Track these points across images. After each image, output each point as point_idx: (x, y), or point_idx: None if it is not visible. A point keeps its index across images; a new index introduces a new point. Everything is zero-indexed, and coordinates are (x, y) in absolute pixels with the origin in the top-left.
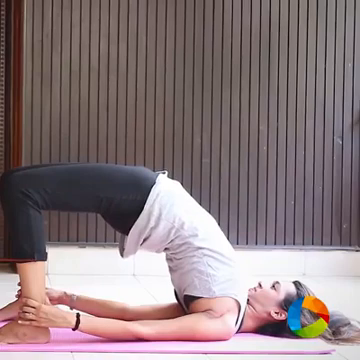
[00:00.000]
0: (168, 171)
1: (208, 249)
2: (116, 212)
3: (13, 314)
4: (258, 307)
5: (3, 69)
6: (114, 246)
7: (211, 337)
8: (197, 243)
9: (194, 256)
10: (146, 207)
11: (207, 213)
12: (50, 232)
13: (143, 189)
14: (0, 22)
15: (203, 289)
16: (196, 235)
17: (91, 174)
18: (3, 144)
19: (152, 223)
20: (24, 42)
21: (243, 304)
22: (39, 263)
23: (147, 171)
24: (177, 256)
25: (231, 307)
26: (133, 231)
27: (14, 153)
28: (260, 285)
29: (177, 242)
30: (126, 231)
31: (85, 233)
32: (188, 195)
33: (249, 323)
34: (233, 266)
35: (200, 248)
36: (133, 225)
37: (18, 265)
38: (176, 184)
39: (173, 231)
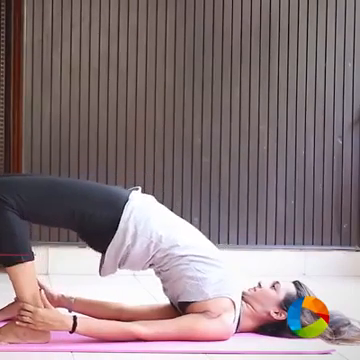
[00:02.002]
0: (168, 171)
1: (192, 255)
2: (90, 230)
3: (13, 314)
4: (257, 307)
5: (3, 69)
6: None
7: (210, 336)
8: (179, 252)
9: (180, 264)
10: (121, 225)
11: (184, 221)
12: (50, 232)
13: (116, 206)
14: (0, 22)
15: (196, 293)
16: (177, 245)
17: (65, 186)
18: (3, 144)
19: (129, 241)
20: (24, 42)
21: (238, 302)
22: (28, 264)
23: (121, 189)
24: (163, 268)
25: (227, 307)
26: (110, 250)
27: (14, 153)
28: (260, 285)
29: (159, 256)
30: (103, 250)
31: None
32: (163, 207)
33: (249, 322)
34: (222, 267)
35: (184, 256)
36: (109, 244)
37: (8, 269)
38: (150, 198)
39: (152, 246)
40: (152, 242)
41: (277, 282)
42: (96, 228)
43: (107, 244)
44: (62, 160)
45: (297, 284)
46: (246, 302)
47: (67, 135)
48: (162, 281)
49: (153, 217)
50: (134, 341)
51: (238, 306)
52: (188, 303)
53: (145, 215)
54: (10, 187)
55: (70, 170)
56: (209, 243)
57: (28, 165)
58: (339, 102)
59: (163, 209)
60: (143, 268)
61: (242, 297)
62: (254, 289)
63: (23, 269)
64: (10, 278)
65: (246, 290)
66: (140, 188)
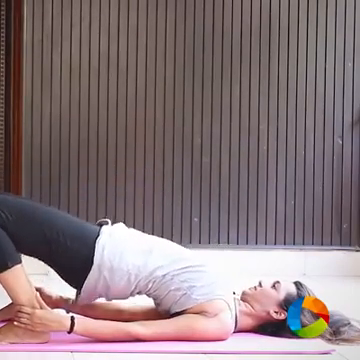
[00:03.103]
0: (168, 170)
1: (173, 270)
2: (64, 264)
3: (13, 314)
4: (257, 306)
5: (3, 69)
6: None
7: (210, 335)
8: (161, 273)
9: (165, 283)
10: (95, 262)
11: (156, 239)
12: None
13: (88, 241)
14: (0, 22)
15: (186, 302)
16: (156, 268)
17: (44, 211)
18: (3, 144)
19: (106, 276)
20: (24, 42)
21: (231, 302)
22: (16, 268)
23: (91, 225)
24: (151, 292)
25: (222, 307)
26: (86, 286)
27: (14, 152)
28: (260, 284)
29: (142, 284)
30: (78, 286)
31: None
32: (134, 233)
33: (247, 321)
34: (206, 271)
35: (166, 274)
36: (85, 280)
37: None
38: (119, 230)
39: (132, 278)
40: (131, 274)
41: (278, 282)
42: (70, 263)
43: (83, 280)
44: (62, 159)
45: (298, 284)
46: (245, 301)
47: (67, 134)
48: (153, 300)
49: (126, 249)
50: (133, 341)
51: (232, 305)
52: (181, 313)
53: (118, 248)
54: None
55: (70, 170)
56: (187, 252)
57: (28, 165)
58: (339, 102)
59: (134, 235)
60: (132, 295)
61: (241, 296)
62: (255, 288)
63: (13, 274)
64: (2, 285)
65: (246, 289)
66: (110, 221)
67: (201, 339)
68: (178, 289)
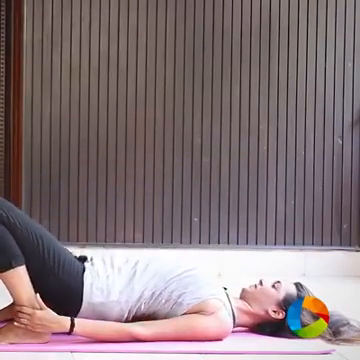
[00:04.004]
0: (168, 170)
1: (161, 285)
2: (49, 291)
3: (13, 314)
4: (255, 304)
5: (3, 69)
6: (114, 246)
7: (210, 333)
8: (149, 293)
9: (156, 299)
10: (85, 299)
11: (137, 259)
12: (50, 232)
13: (77, 278)
14: (0, 22)
15: (179, 309)
16: (144, 289)
17: (44, 233)
18: (3, 143)
19: (98, 309)
20: (24, 42)
21: (225, 300)
22: (19, 268)
23: (75, 261)
24: (145, 312)
25: (218, 306)
26: (79, 320)
27: (14, 152)
28: (261, 282)
29: (135, 308)
30: (73, 315)
31: (85, 233)
32: (116, 257)
33: (245, 318)
34: (194, 275)
35: (154, 292)
36: (77, 314)
37: (0, 276)
38: (100, 263)
39: (124, 306)
40: (121, 302)
41: (278, 281)
42: (57, 293)
43: (73, 314)
44: (62, 159)
45: (298, 286)
46: (244, 299)
47: (67, 135)
48: (150, 316)
49: (112, 281)
50: (133, 342)
51: (227, 303)
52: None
53: (104, 284)
54: (8, 206)
55: (70, 169)
56: (171, 260)
57: (28, 164)
58: (339, 102)
59: (116, 262)
60: (128, 319)
61: (241, 294)
62: (255, 286)
63: (17, 274)
64: (4, 284)
65: (247, 287)
66: (92, 257)
67: (202, 338)
68: (168, 300)
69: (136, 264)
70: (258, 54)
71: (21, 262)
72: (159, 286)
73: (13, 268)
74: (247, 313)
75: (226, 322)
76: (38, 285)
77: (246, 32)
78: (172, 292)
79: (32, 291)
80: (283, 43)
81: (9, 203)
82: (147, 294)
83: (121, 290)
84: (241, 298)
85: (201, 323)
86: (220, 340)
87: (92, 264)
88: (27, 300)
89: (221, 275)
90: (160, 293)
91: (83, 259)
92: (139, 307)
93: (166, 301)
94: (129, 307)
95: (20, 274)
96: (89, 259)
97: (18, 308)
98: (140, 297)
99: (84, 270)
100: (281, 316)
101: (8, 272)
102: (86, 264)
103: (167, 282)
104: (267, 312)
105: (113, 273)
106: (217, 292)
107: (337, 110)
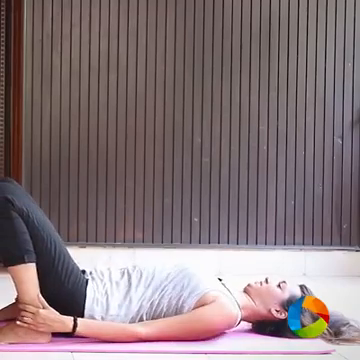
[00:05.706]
0: (168, 170)
1: (158, 293)
2: (52, 297)
3: (14, 314)
4: (258, 302)
5: (3, 69)
6: (114, 246)
7: (217, 322)
8: (148, 302)
9: (157, 308)
10: (86, 314)
11: (132, 268)
12: None
13: (80, 290)
14: (0, 22)
15: (181, 310)
16: (143, 300)
17: (57, 238)
18: (3, 144)
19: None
20: (24, 42)
21: (224, 290)
22: (30, 265)
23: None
24: (148, 317)
25: (215, 295)
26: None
27: (14, 152)
28: (267, 280)
29: (137, 318)
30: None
31: (85, 233)
32: (113, 271)
33: (247, 312)
34: (186, 275)
35: (152, 300)
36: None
37: (10, 269)
38: (100, 273)
39: (124, 319)
40: (119, 316)
41: (284, 282)
42: (59, 302)
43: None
44: (62, 160)
45: (303, 288)
46: (248, 293)
47: (67, 134)
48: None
49: (111, 294)
50: (136, 342)
51: (226, 292)
52: None
53: (104, 295)
54: (21, 197)
55: (70, 169)
56: (163, 265)
57: (28, 165)
58: (339, 102)
59: (113, 276)
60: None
61: (245, 288)
62: (260, 283)
63: (26, 270)
64: (12, 277)
65: (252, 283)
66: (89, 271)
67: (210, 329)
68: (170, 307)
69: (130, 277)
70: (258, 54)
71: (33, 259)
72: (156, 295)
73: (25, 263)
74: (249, 309)
75: (229, 308)
76: (41, 288)
77: (246, 32)
78: (171, 298)
79: (38, 290)
80: (283, 43)
81: (31, 200)
82: (146, 305)
83: (120, 304)
84: (245, 292)
85: (205, 313)
86: (230, 328)
87: (92, 278)
88: (31, 298)
89: (221, 275)
90: (159, 302)
91: (82, 272)
92: (141, 318)
93: (168, 308)
94: (130, 320)
95: (30, 270)
96: (88, 273)
97: (22, 306)
98: (139, 308)
99: (87, 283)
100: (283, 316)
101: (20, 266)
102: (88, 277)
103: (163, 290)
104: (270, 311)
105: (111, 287)
106: (212, 285)
107: (337, 110)
